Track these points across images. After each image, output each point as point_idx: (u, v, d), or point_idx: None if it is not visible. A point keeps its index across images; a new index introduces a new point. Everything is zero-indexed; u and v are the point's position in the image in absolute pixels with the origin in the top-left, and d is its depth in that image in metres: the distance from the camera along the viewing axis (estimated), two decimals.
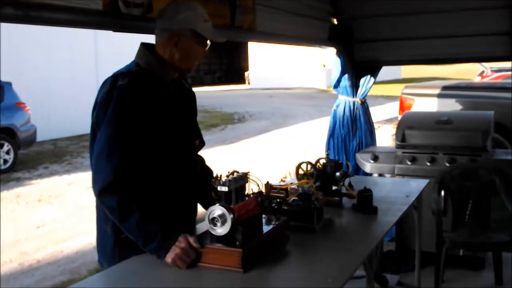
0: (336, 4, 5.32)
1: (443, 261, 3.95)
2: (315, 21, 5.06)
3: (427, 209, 3.85)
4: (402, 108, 7.79)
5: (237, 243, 2.03)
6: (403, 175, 4.64)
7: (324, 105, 17.67)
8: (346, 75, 5.40)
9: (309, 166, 2.93)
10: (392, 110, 14.38)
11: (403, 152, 4.73)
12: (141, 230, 2.08)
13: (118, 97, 2.14)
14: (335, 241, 2.47)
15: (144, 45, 2.33)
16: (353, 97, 5.44)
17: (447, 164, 4.47)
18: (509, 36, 4.89)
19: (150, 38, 2.36)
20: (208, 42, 2.33)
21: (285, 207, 2.53)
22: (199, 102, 2.63)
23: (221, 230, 2.04)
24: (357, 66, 5.44)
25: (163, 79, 2.30)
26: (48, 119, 13.71)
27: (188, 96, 2.49)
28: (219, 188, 2.07)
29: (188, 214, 2.43)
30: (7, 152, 10.71)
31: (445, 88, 7.79)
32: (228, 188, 2.06)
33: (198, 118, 2.61)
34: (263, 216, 2.32)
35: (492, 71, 16.30)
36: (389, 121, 12.15)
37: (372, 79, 5.45)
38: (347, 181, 3.03)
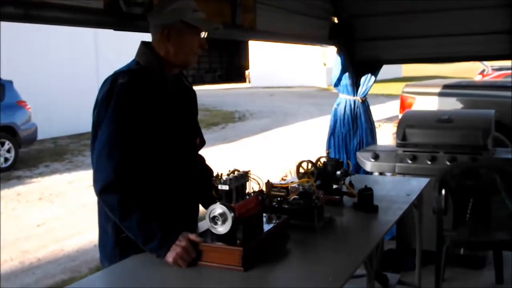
0: (337, 3, 5.32)
1: (443, 260, 3.95)
2: (316, 19, 5.06)
3: (428, 208, 3.85)
4: (402, 106, 7.79)
5: (238, 241, 2.03)
6: (403, 174, 4.64)
7: (324, 103, 17.66)
8: (346, 74, 5.40)
9: (309, 165, 2.93)
10: (392, 108, 14.39)
11: (404, 151, 4.73)
12: (141, 229, 2.08)
13: (118, 96, 2.14)
14: (336, 240, 2.47)
15: (144, 44, 2.33)
16: (354, 95, 5.44)
17: (448, 163, 4.47)
18: (509, 35, 4.88)
19: (150, 38, 2.36)
20: (204, 34, 2.30)
21: (286, 206, 2.53)
22: (200, 100, 2.62)
23: (221, 228, 2.04)
24: (357, 65, 5.44)
25: (163, 77, 2.30)
26: (49, 118, 13.71)
27: (189, 94, 2.49)
28: (219, 186, 2.07)
29: (189, 213, 2.43)
30: (8, 151, 10.72)
31: (445, 86, 7.78)
32: (229, 187, 2.06)
33: (199, 117, 2.60)
34: (264, 214, 2.32)
35: (493, 69, 16.29)
36: (389, 119, 12.16)
37: (373, 78, 5.44)
38: (347, 179, 3.03)
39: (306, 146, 10.85)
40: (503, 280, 4.28)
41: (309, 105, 20.24)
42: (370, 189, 2.85)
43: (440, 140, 4.65)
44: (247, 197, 2.18)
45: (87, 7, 2.35)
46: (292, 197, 2.57)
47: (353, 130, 5.41)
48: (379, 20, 5.33)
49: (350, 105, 5.43)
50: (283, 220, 2.36)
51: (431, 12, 5.07)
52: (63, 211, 7.52)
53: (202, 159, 2.63)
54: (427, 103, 7.36)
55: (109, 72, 2.28)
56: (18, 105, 11.08)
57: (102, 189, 2.11)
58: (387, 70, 10.45)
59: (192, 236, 2.09)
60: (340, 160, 3.07)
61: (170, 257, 2.04)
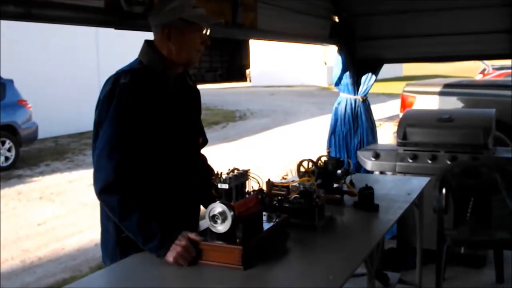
0: (337, 2, 5.32)
1: (444, 259, 3.95)
2: (317, 18, 5.06)
3: (428, 207, 3.85)
4: (403, 105, 7.78)
5: (237, 240, 2.04)
6: (404, 173, 4.64)
7: (325, 102, 17.67)
8: (347, 73, 5.40)
9: (310, 164, 2.93)
10: (393, 107, 14.40)
11: (405, 150, 4.73)
12: (141, 229, 2.08)
13: (120, 96, 2.14)
14: (336, 239, 2.47)
15: (147, 43, 2.31)
16: (355, 94, 5.44)
17: (449, 162, 4.47)
18: (509, 34, 4.88)
19: (152, 36, 2.35)
20: (206, 30, 2.29)
21: (287, 205, 2.53)
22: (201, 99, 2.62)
23: (221, 227, 2.05)
24: (358, 64, 5.44)
25: (166, 77, 2.29)
26: (50, 117, 13.71)
27: (192, 93, 2.48)
28: (219, 185, 2.07)
29: (191, 212, 2.43)
30: (9, 150, 10.73)
31: (446, 86, 7.78)
32: (229, 186, 2.06)
33: None
34: (264, 213, 2.32)
35: (493, 69, 16.30)
36: (390, 118, 12.17)
37: (374, 77, 5.44)
38: (348, 178, 3.03)
39: (306, 145, 10.84)
40: (503, 279, 4.28)
41: (309, 104, 20.23)
42: (371, 188, 2.86)
43: (441, 139, 4.65)
44: (247, 196, 2.18)
45: (88, 6, 2.35)
46: (293, 196, 2.57)
47: (354, 129, 5.41)
48: (380, 19, 5.34)
49: (351, 104, 5.43)
50: (283, 219, 2.36)
51: (431, 11, 5.07)
52: (63, 210, 7.53)
53: (204, 158, 2.63)
54: (428, 102, 7.36)
55: (110, 71, 2.27)
56: (19, 104, 11.10)
57: (102, 189, 2.11)
58: (387, 69, 10.46)
59: (192, 235, 2.09)
60: (341, 159, 3.08)
61: (170, 256, 2.04)
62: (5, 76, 11.03)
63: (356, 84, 5.42)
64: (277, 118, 17.13)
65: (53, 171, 10.29)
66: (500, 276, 4.29)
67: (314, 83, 29.85)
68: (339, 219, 2.74)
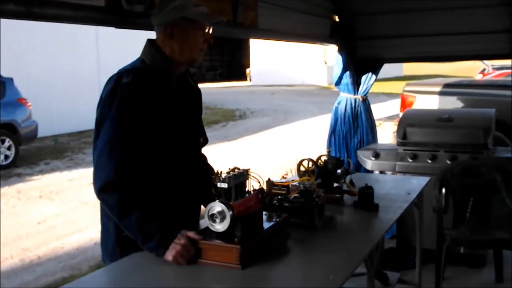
0: (338, 1, 5.32)
1: (443, 259, 3.96)
2: (317, 18, 5.06)
3: (428, 207, 3.85)
4: (403, 105, 7.78)
5: (236, 239, 2.04)
6: (404, 173, 4.65)
7: (325, 102, 17.67)
8: (347, 72, 5.40)
9: (310, 163, 2.93)
10: (393, 107, 14.39)
11: (404, 150, 4.73)
12: (140, 228, 2.07)
13: (122, 95, 2.13)
14: (336, 238, 2.47)
15: (150, 42, 2.31)
16: (355, 94, 5.44)
17: (448, 162, 4.48)
18: (509, 34, 4.88)
19: (152, 35, 2.35)
20: (209, 29, 2.29)
21: (286, 204, 2.53)
22: None
23: (220, 226, 2.04)
24: (358, 63, 5.44)
25: (168, 76, 2.29)
26: (50, 115, 13.72)
27: (193, 93, 2.47)
28: (219, 184, 2.07)
29: (191, 212, 2.42)
30: (8, 148, 10.73)
31: (446, 85, 7.79)
32: (228, 185, 2.06)
33: None
34: (264, 213, 2.32)
35: (493, 68, 16.31)
36: (390, 118, 12.16)
37: (374, 77, 5.44)
38: (348, 178, 3.03)
39: (306, 145, 10.84)
40: (503, 279, 4.28)
41: (310, 104, 20.23)
42: (371, 188, 2.86)
43: (441, 139, 4.65)
44: (247, 195, 2.18)
45: (89, 4, 2.35)
46: (293, 195, 2.57)
47: (354, 128, 5.41)
48: (380, 19, 5.33)
49: (351, 104, 5.43)
50: (283, 218, 2.36)
51: (431, 11, 5.07)
52: (63, 208, 7.53)
53: (204, 158, 2.63)
54: (428, 102, 7.36)
55: (111, 70, 2.27)
56: (19, 102, 11.09)
57: (101, 188, 2.10)
58: (388, 69, 10.46)
59: (191, 234, 2.08)
60: (341, 159, 3.08)
61: (169, 255, 2.04)
62: (5, 74, 11.02)
63: (356, 83, 5.42)
64: (277, 117, 17.13)
65: (52, 170, 10.29)
66: (499, 276, 4.29)
67: (314, 82, 29.84)
68: (339, 218, 2.74)
